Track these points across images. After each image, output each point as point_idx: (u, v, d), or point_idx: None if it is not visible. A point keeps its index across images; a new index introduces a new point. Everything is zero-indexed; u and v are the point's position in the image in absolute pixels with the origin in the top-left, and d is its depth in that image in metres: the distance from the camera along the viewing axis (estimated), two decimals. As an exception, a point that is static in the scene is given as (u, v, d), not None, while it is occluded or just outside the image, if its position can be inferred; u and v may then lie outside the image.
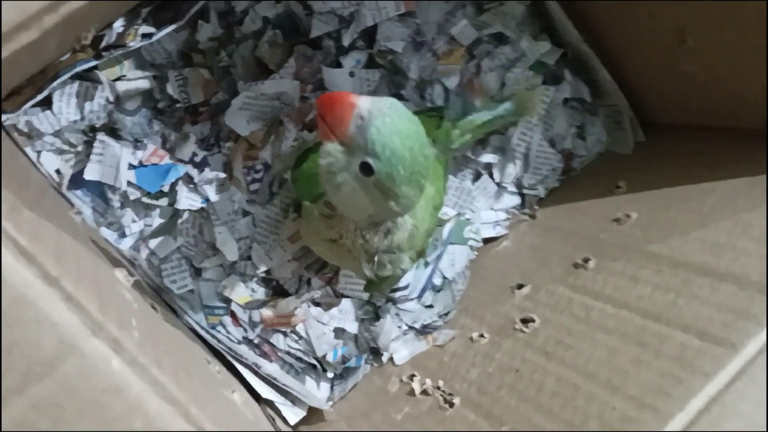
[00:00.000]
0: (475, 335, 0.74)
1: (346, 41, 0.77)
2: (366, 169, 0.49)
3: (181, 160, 0.75)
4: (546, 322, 0.70)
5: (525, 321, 0.71)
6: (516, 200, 0.88)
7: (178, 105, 0.74)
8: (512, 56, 0.85)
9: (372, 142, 0.48)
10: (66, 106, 0.69)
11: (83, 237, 0.56)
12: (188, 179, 0.76)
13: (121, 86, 0.72)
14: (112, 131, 0.71)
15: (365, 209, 0.54)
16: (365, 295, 0.81)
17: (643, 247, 0.68)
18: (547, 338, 0.67)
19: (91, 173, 0.71)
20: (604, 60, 0.85)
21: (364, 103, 0.48)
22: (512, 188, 0.88)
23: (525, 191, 0.88)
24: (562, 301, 0.70)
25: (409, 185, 0.50)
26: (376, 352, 0.81)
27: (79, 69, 0.67)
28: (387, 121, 0.48)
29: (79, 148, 0.71)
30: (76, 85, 0.69)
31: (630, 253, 0.69)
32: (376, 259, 0.61)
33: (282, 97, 0.76)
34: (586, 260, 0.72)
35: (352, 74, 0.77)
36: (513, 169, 0.87)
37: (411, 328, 0.81)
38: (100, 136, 0.71)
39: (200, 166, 0.76)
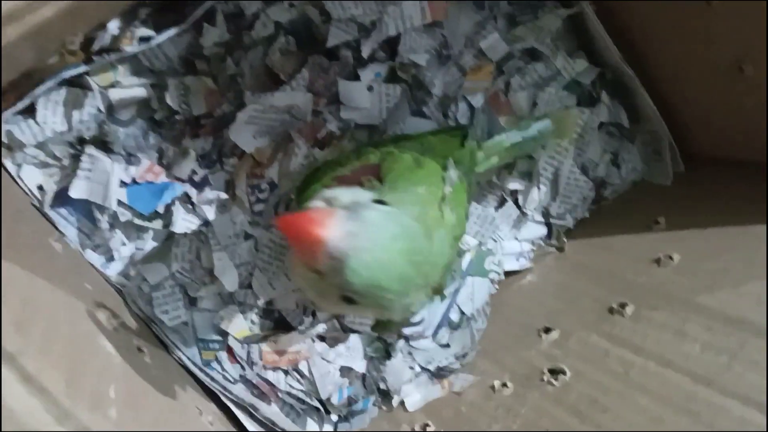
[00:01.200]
0: (496, 384, 0.68)
1: (365, 52, 0.70)
2: (347, 300, 0.44)
3: (178, 179, 0.67)
4: (578, 375, 0.63)
5: (554, 372, 0.64)
6: (542, 230, 0.81)
7: (177, 116, 0.68)
8: (545, 74, 0.78)
9: (350, 284, 0.42)
10: (51, 115, 0.62)
11: (62, 274, 0.49)
12: (186, 199, 0.68)
13: (115, 94, 0.64)
14: (103, 144, 0.64)
15: (358, 315, 0.48)
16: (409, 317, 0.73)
17: (689, 297, 0.61)
18: (580, 395, 0.61)
19: (77, 190, 0.63)
20: (645, 83, 0.78)
21: (333, 238, 0.41)
22: (538, 217, 0.81)
23: (552, 221, 0.81)
24: (597, 353, 0.63)
25: (404, 297, 0.46)
26: (385, 395, 0.74)
27: (67, 75, 0.60)
28: (366, 258, 0.42)
29: (65, 162, 0.65)
30: (63, 91, 0.62)
31: (674, 303, 0.62)
32: None
33: (293, 110, 0.70)
34: (622, 305, 0.65)
35: (370, 89, 0.71)
36: (540, 196, 0.79)
37: (425, 369, 0.74)
38: (89, 149, 0.64)
39: (200, 185, 0.68)
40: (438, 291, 0.58)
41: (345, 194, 0.47)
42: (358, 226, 0.42)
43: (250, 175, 0.71)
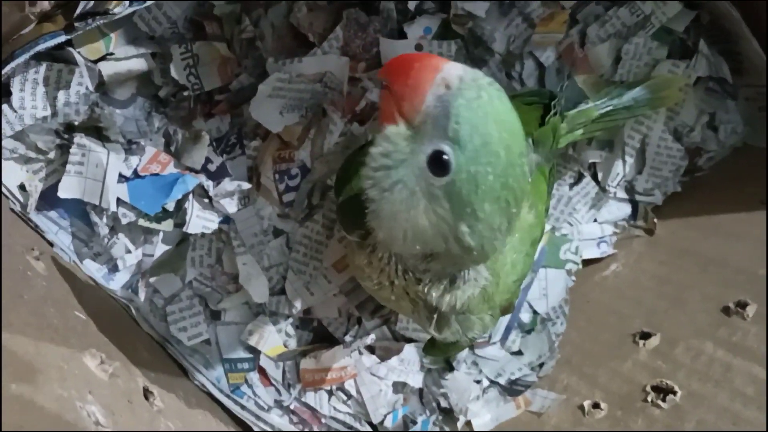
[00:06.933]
0: (586, 404, 0.57)
1: (411, 3, 0.61)
2: (438, 163, 0.34)
3: (190, 169, 0.56)
4: (694, 395, 0.53)
5: (660, 390, 0.54)
6: (626, 210, 0.71)
7: (186, 93, 0.58)
8: (629, 21, 0.65)
9: (457, 119, 0.34)
10: (31, 98, 0.52)
11: (40, 305, 0.37)
12: (201, 192, 0.56)
13: (107, 68, 0.54)
14: (97, 131, 0.54)
15: (418, 234, 0.36)
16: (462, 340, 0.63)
17: None
18: (700, 423, 0.50)
19: (67, 189, 0.52)
20: (752, 25, 0.64)
21: (452, 67, 0.35)
22: (621, 194, 0.70)
23: (638, 198, 0.70)
24: (716, 367, 0.53)
25: (495, 205, 0.35)
26: (447, 413, 0.64)
27: (44, 46, 0.48)
28: (483, 96, 0.34)
29: (51, 155, 0.55)
30: (43, 68, 0.52)
31: None
32: (435, 317, 0.43)
33: (326, 78, 0.60)
34: (742, 305, 0.54)
35: (419, 47, 0.61)
36: (625, 170, 0.67)
37: (494, 383, 0.64)
38: (79, 137, 0.52)
39: (217, 176, 0.56)
40: (508, 311, 0.47)
41: None
42: (480, 73, 0.35)
43: (277, 159, 0.59)
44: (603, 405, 0.56)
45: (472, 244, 0.36)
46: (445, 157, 0.34)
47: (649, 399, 0.53)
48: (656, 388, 0.53)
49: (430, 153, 0.34)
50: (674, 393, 0.52)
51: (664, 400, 0.52)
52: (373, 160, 0.36)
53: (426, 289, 0.41)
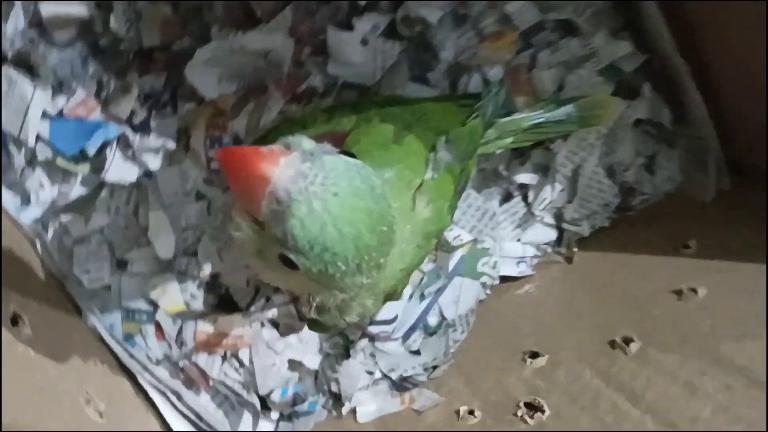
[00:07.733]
0: (462, 409, 0.59)
1: None
2: (288, 263, 0.36)
3: (116, 118, 0.57)
4: (560, 416, 0.53)
5: (531, 407, 0.55)
6: (551, 235, 0.71)
7: (123, 45, 0.57)
8: (580, 53, 0.67)
9: (292, 236, 0.34)
10: None
11: None
12: (126, 144, 0.58)
13: (48, 8, 0.54)
14: (28, 66, 0.55)
15: (295, 288, 0.42)
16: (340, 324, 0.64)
17: (709, 344, 0.51)
18: None
19: (-14, 116, 0.53)
20: (698, 80, 0.65)
21: (281, 178, 0.34)
22: (549, 219, 0.70)
23: (565, 225, 0.70)
24: (587, 393, 0.54)
25: (358, 275, 0.37)
26: (337, 398, 0.65)
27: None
28: (316, 207, 0.34)
29: None
30: None
31: (689, 347, 0.52)
32: (312, 302, 0.45)
33: (270, 56, 0.60)
34: (627, 341, 0.55)
35: (365, 42, 0.61)
36: (553, 195, 0.68)
37: (386, 377, 0.65)
38: (7, 68, 0.53)
39: (141, 129, 0.58)
40: (391, 297, 0.48)
41: (311, 142, 0.37)
42: (313, 169, 0.34)
43: (210, 126, 0.60)
44: (477, 413, 0.57)
45: (346, 295, 0.39)
46: (292, 259, 0.35)
47: (520, 413, 0.54)
48: (528, 405, 0.54)
49: (278, 255, 0.36)
50: (542, 411, 0.53)
51: (532, 416, 0.53)
52: (237, 243, 0.38)
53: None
